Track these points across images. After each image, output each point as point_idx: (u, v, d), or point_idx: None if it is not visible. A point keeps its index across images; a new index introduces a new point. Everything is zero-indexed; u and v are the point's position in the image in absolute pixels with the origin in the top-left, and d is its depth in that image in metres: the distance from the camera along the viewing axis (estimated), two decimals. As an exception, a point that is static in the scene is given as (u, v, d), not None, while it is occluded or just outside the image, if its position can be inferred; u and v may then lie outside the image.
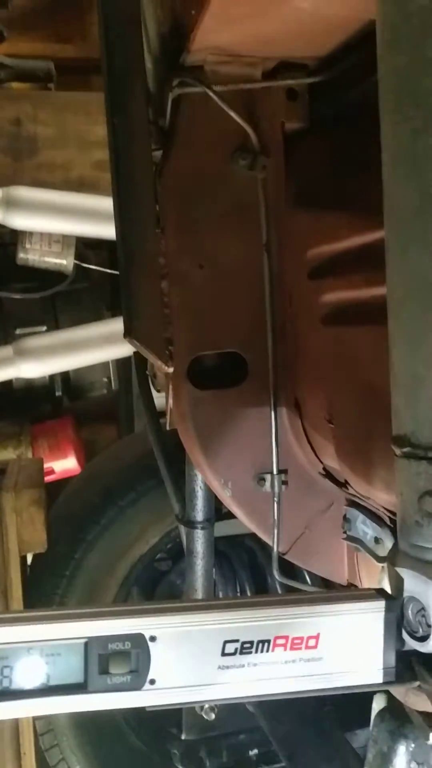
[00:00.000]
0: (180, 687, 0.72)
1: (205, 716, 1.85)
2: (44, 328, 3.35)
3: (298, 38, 1.14)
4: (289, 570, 1.64)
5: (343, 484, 1.30)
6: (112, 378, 3.55)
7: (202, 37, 1.10)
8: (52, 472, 3.28)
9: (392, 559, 0.78)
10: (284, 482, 1.36)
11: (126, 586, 2.18)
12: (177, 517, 1.76)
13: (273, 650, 0.73)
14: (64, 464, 3.34)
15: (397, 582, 0.77)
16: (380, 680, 0.76)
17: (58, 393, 3.52)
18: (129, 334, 1.22)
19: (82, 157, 3.39)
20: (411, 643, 0.76)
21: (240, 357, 1.32)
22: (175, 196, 1.28)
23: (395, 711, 0.83)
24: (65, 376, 3.48)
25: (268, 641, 0.73)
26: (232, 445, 1.34)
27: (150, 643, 0.71)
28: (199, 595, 1.78)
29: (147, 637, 0.71)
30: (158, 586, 2.36)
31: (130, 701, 0.71)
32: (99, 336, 3.19)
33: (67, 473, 3.28)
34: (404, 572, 0.76)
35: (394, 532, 1.12)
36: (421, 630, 0.75)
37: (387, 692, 0.90)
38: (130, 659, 0.71)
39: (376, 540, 1.26)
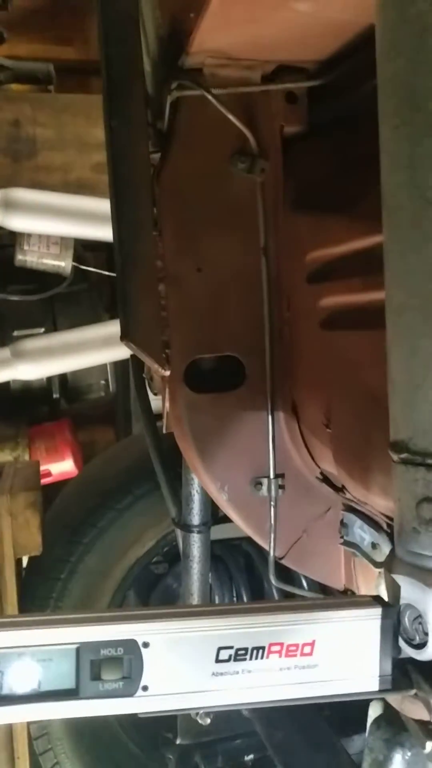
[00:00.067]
0: (173, 694, 0.71)
1: (200, 721, 1.84)
2: (42, 329, 3.34)
3: (298, 42, 1.13)
4: (286, 575, 1.63)
5: (340, 489, 1.29)
6: (109, 380, 3.55)
7: (201, 39, 1.10)
8: (49, 474, 3.27)
9: (389, 566, 0.77)
10: (281, 487, 1.35)
11: (122, 590, 2.17)
12: (173, 520, 1.76)
13: (268, 657, 0.72)
14: (62, 466, 3.33)
15: (394, 589, 0.76)
16: (376, 688, 0.75)
17: (56, 395, 3.51)
18: (126, 336, 1.22)
19: (81, 159, 3.38)
20: (407, 651, 0.75)
21: (237, 361, 1.32)
22: (173, 199, 1.27)
23: (391, 719, 0.83)
24: (63, 378, 3.47)
25: (263, 648, 0.72)
26: (229, 449, 1.33)
27: (143, 649, 0.70)
28: (196, 599, 1.77)
29: (140, 643, 0.70)
30: (154, 589, 2.35)
31: (122, 708, 0.71)
32: (97, 338, 3.18)
33: (65, 476, 3.27)
34: (401, 579, 0.76)
35: (391, 537, 1.12)
36: (417, 637, 0.74)
37: (383, 699, 0.89)
38: (122, 665, 0.70)
39: (374, 545, 1.26)
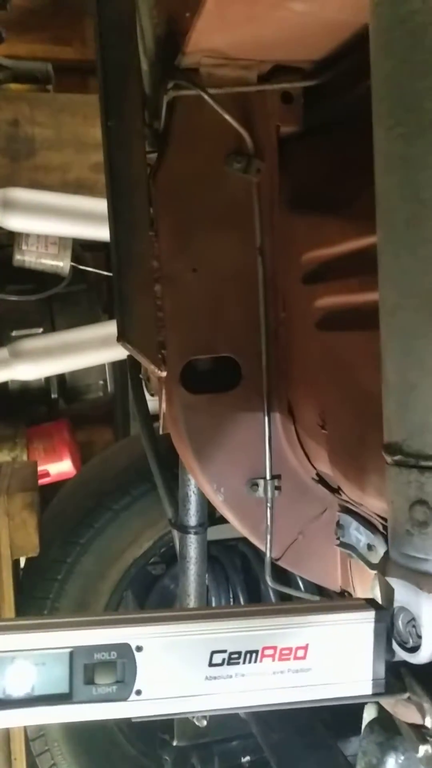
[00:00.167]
0: (167, 698, 0.71)
1: (196, 723, 1.83)
2: (40, 330, 3.34)
3: (294, 41, 1.13)
4: (283, 576, 1.63)
5: (336, 490, 1.29)
6: (108, 380, 3.55)
7: (197, 39, 1.10)
8: (47, 474, 3.28)
9: (383, 568, 0.77)
10: (277, 488, 1.35)
11: (119, 591, 2.17)
12: (170, 521, 1.75)
13: (261, 661, 0.72)
14: (60, 467, 3.33)
15: (388, 592, 0.76)
16: (369, 692, 0.75)
17: (54, 395, 3.51)
18: (122, 337, 1.22)
19: (79, 159, 3.38)
20: (401, 654, 0.75)
21: (233, 361, 1.31)
22: (170, 199, 1.27)
23: (385, 722, 0.82)
24: (61, 378, 3.47)
25: (256, 652, 0.72)
26: (225, 449, 1.33)
27: (136, 653, 0.70)
28: (192, 600, 1.77)
29: (133, 647, 0.70)
30: (151, 590, 2.35)
31: (115, 712, 0.70)
32: (95, 338, 3.18)
33: (63, 476, 3.27)
34: (395, 582, 0.75)
35: (387, 539, 1.11)
36: (411, 641, 0.74)
37: (377, 703, 0.89)
38: (115, 669, 0.70)
39: (369, 547, 1.25)
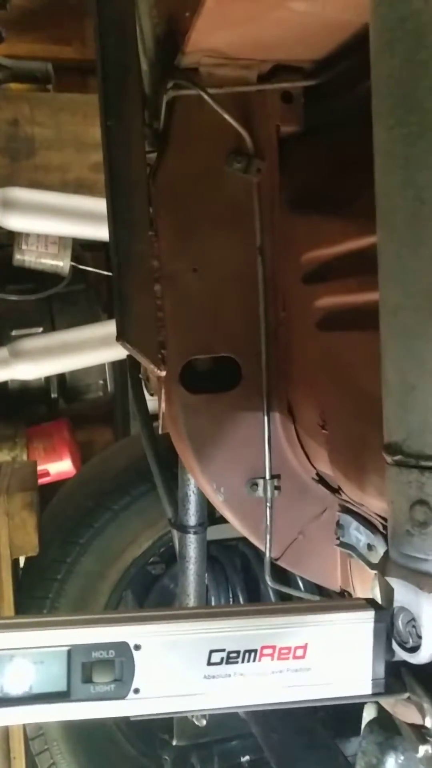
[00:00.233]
0: (165, 696, 0.71)
1: (196, 722, 1.83)
2: (40, 329, 3.34)
3: (294, 41, 1.13)
4: (282, 576, 1.63)
5: (336, 490, 1.29)
6: (108, 380, 3.55)
7: (197, 39, 1.10)
8: (47, 474, 3.27)
9: (382, 568, 0.77)
10: (277, 487, 1.35)
11: (118, 591, 2.17)
12: (170, 521, 1.75)
13: (260, 660, 0.72)
14: (60, 466, 3.33)
15: (388, 592, 0.76)
16: (369, 691, 0.75)
17: (54, 395, 3.51)
18: (121, 337, 1.21)
19: (79, 158, 3.38)
20: (401, 654, 0.75)
21: (233, 361, 1.31)
22: (169, 199, 1.27)
23: (384, 722, 0.82)
24: (61, 378, 3.47)
25: (255, 651, 0.72)
26: (225, 449, 1.33)
27: (134, 652, 0.70)
28: (192, 600, 1.77)
29: (131, 645, 0.70)
30: (151, 590, 2.35)
31: (113, 711, 0.70)
32: (95, 338, 3.18)
33: (63, 476, 3.27)
34: (395, 582, 0.75)
35: (387, 539, 1.11)
36: (411, 641, 0.74)
37: (377, 703, 0.89)
38: (113, 668, 0.70)
39: (369, 547, 1.25)
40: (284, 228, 1.29)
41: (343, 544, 1.33)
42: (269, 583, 1.43)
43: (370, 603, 0.77)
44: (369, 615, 0.75)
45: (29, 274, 3.28)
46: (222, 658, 0.71)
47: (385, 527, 1.17)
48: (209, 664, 0.71)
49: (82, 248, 3.37)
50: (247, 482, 1.34)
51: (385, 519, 1.15)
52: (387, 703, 0.79)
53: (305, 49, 1.17)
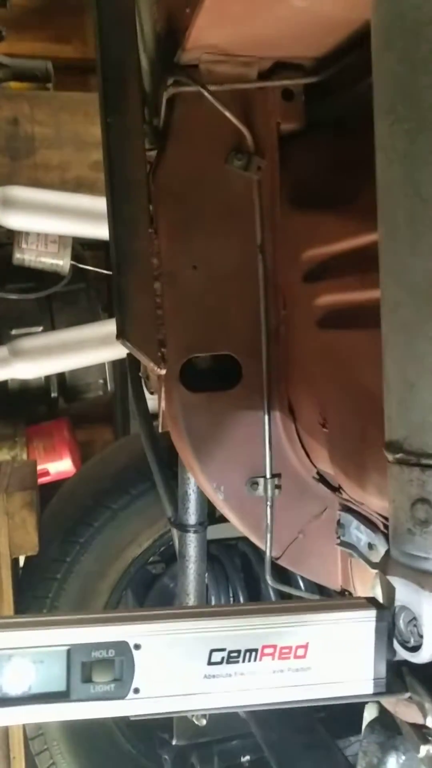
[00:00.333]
0: (165, 696, 0.71)
1: (196, 722, 1.83)
2: (40, 328, 3.33)
3: (294, 38, 1.12)
4: (283, 575, 1.62)
5: (336, 489, 1.29)
6: (108, 379, 3.54)
7: (197, 35, 1.09)
8: (47, 473, 3.27)
9: (384, 567, 0.77)
10: (277, 486, 1.34)
11: (118, 590, 2.17)
12: (169, 520, 1.75)
13: (260, 659, 0.72)
14: (60, 466, 3.33)
15: (389, 591, 0.75)
16: (370, 691, 0.74)
17: (54, 394, 3.50)
18: (121, 335, 1.21)
19: (79, 157, 3.38)
20: (402, 654, 0.75)
21: (234, 360, 1.31)
22: (169, 197, 1.26)
23: (386, 722, 0.82)
24: (61, 377, 3.46)
25: (256, 650, 0.71)
26: (225, 448, 1.32)
27: (134, 651, 0.69)
28: (192, 599, 1.76)
29: (131, 645, 0.69)
30: (151, 589, 2.34)
31: (113, 710, 0.70)
32: (95, 337, 3.18)
33: (63, 475, 3.27)
34: (396, 581, 0.75)
35: (388, 538, 1.11)
36: (412, 640, 0.74)
37: (378, 702, 0.88)
38: (113, 667, 0.69)
39: (370, 546, 1.25)
40: (285, 226, 1.28)
41: (343, 543, 1.33)
42: (270, 582, 1.42)
43: (371, 602, 0.76)
44: (370, 614, 0.74)
45: (29, 273, 3.27)
46: (222, 658, 0.71)
47: (386, 526, 1.17)
48: (210, 663, 0.71)
49: (82, 247, 3.37)
50: (248, 481, 1.34)
51: (386, 518, 1.14)
52: (388, 702, 0.78)
53: (306, 46, 1.16)
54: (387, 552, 0.78)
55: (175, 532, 1.76)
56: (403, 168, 0.69)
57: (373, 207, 0.74)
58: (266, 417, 1.32)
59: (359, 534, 1.29)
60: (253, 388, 1.31)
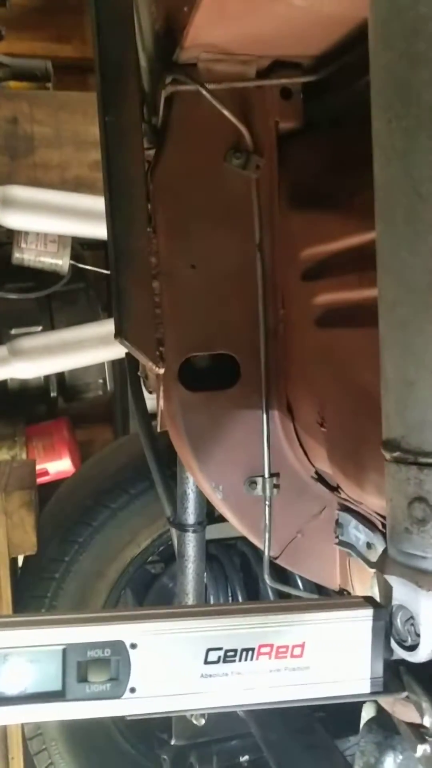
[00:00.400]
0: (161, 696, 0.70)
1: (195, 722, 1.83)
2: (39, 328, 3.33)
3: (293, 36, 1.12)
4: (282, 574, 1.62)
5: (335, 489, 1.28)
6: (107, 379, 3.54)
7: (195, 34, 1.09)
8: (46, 473, 3.27)
9: (381, 566, 0.76)
10: (276, 486, 1.34)
11: (117, 590, 2.16)
12: (168, 519, 1.75)
13: (257, 659, 0.72)
14: (59, 465, 3.33)
15: (386, 590, 0.75)
16: (367, 690, 0.74)
17: (54, 394, 3.50)
18: (120, 334, 1.21)
19: (78, 157, 3.38)
20: (399, 653, 0.74)
21: (232, 359, 1.30)
22: (167, 196, 1.26)
23: (383, 722, 0.82)
24: (60, 377, 3.46)
25: (253, 649, 0.71)
26: (224, 447, 1.32)
27: (130, 651, 0.69)
28: (191, 598, 1.76)
29: (127, 644, 0.69)
30: (150, 589, 2.34)
31: (109, 710, 0.70)
32: (94, 337, 3.18)
33: (62, 475, 3.27)
34: (393, 580, 0.74)
35: (386, 537, 1.11)
36: (410, 639, 0.73)
37: (376, 702, 0.88)
38: (109, 667, 0.69)
39: (368, 545, 1.25)
40: (283, 224, 1.28)
41: (342, 543, 1.33)
42: (268, 581, 1.42)
43: (369, 601, 0.76)
44: (367, 613, 0.74)
45: (28, 273, 3.27)
46: (219, 657, 0.71)
47: (384, 525, 1.17)
48: (206, 662, 0.71)
49: (81, 247, 3.37)
50: (246, 480, 1.33)
51: (384, 517, 1.14)
52: (385, 702, 0.78)
53: (304, 44, 1.16)
54: (384, 551, 0.77)
55: (173, 532, 1.76)
56: (401, 166, 0.69)
57: (372, 205, 0.74)
58: (265, 416, 1.31)
59: (358, 533, 1.28)
60: (252, 388, 1.31)
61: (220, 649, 0.71)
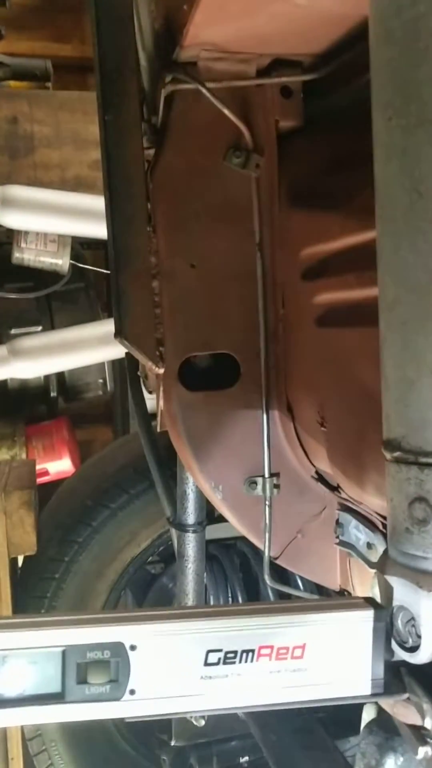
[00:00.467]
0: (161, 697, 0.70)
1: (195, 723, 1.82)
2: (39, 328, 3.33)
3: (293, 34, 1.12)
4: (282, 575, 1.62)
5: (335, 489, 1.28)
6: (107, 379, 3.54)
7: (195, 32, 1.08)
8: (46, 473, 3.27)
9: (382, 567, 0.76)
10: (276, 486, 1.34)
11: (117, 590, 2.16)
12: (168, 519, 1.74)
13: (257, 660, 0.71)
14: (59, 465, 3.32)
15: (387, 590, 0.75)
16: (368, 692, 0.74)
17: (54, 393, 3.50)
18: (119, 334, 1.20)
19: (78, 156, 3.38)
20: (400, 654, 0.74)
21: (232, 358, 1.30)
22: (167, 195, 1.26)
23: (384, 723, 0.81)
24: (60, 376, 3.46)
25: (253, 651, 0.71)
26: (224, 447, 1.32)
27: (130, 652, 0.69)
28: (191, 599, 1.76)
29: (127, 645, 0.69)
30: (150, 589, 2.34)
31: (108, 712, 0.69)
32: (94, 336, 3.17)
33: (62, 475, 3.26)
34: (394, 580, 0.74)
35: (386, 537, 1.10)
36: (410, 640, 0.73)
37: (377, 703, 0.88)
38: (109, 668, 0.68)
39: (369, 545, 1.25)
40: (283, 224, 1.28)
41: (342, 543, 1.33)
42: (268, 582, 1.42)
43: (369, 602, 0.76)
44: (368, 614, 0.74)
45: (28, 273, 3.27)
46: (219, 659, 0.70)
47: (384, 525, 1.16)
48: (206, 664, 0.70)
49: (81, 246, 3.36)
50: (246, 480, 1.33)
51: (384, 517, 1.14)
52: (386, 703, 0.78)
53: (304, 42, 1.16)
54: (385, 551, 0.77)
55: (173, 532, 1.75)
56: (401, 163, 0.69)
57: (372, 204, 0.74)
58: (265, 416, 1.31)
59: (358, 533, 1.28)
60: (252, 387, 1.30)
61: (220, 650, 0.70)
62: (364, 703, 0.92)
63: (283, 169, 1.27)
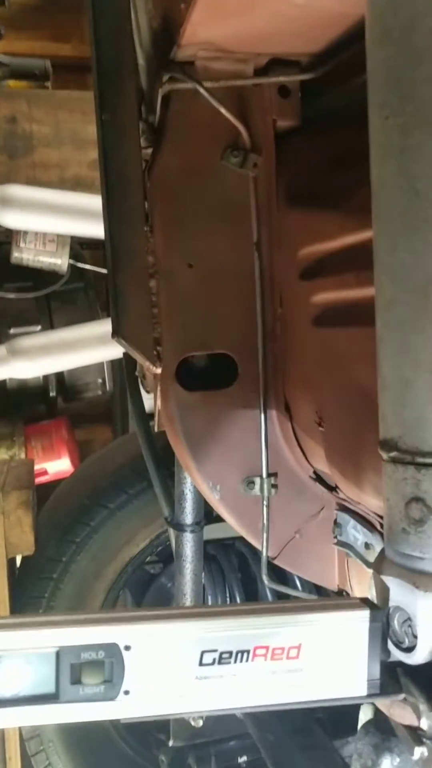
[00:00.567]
0: (155, 698, 0.70)
1: (192, 723, 1.82)
2: (38, 327, 3.33)
3: (290, 34, 1.11)
4: (280, 575, 1.62)
5: (333, 488, 1.28)
6: (106, 379, 3.53)
7: (192, 31, 1.08)
8: (45, 473, 3.26)
9: (378, 567, 0.76)
10: (274, 486, 1.33)
11: (115, 590, 2.16)
12: (166, 519, 1.74)
13: (253, 660, 0.71)
14: (58, 465, 3.32)
15: (383, 591, 0.75)
16: (364, 692, 0.73)
17: (53, 393, 3.49)
18: (117, 333, 1.20)
19: (77, 156, 3.38)
20: (396, 654, 0.74)
21: (230, 358, 1.30)
22: (165, 194, 1.25)
23: (380, 724, 0.81)
24: (59, 376, 3.45)
25: (248, 651, 0.70)
26: (221, 447, 1.32)
27: (124, 653, 0.68)
28: (188, 599, 1.75)
29: (121, 646, 0.68)
30: (148, 589, 2.33)
31: (103, 713, 0.69)
32: (93, 336, 3.17)
33: (61, 475, 3.26)
34: (390, 581, 0.74)
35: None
36: (407, 641, 0.73)
37: (373, 704, 0.87)
38: (103, 669, 0.68)
39: (367, 545, 1.24)
40: (281, 223, 1.27)
41: (340, 543, 1.32)
42: (266, 582, 1.41)
43: (366, 602, 0.75)
44: (364, 615, 0.74)
45: (27, 272, 3.26)
46: (214, 659, 0.70)
47: (382, 525, 1.16)
48: (201, 664, 0.70)
49: (80, 246, 3.36)
50: (244, 480, 1.33)
51: (382, 517, 1.14)
52: (383, 704, 0.77)
53: (302, 42, 1.15)
54: (382, 551, 0.77)
55: (171, 532, 1.75)
56: (398, 163, 0.69)
57: (370, 203, 0.74)
58: (262, 416, 1.31)
59: (356, 533, 1.28)
60: (250, 387, 1.30)
61: (215, 651, 0.70)
62: (361, 704, 0.92)
63: (281, 169, 1.27)
